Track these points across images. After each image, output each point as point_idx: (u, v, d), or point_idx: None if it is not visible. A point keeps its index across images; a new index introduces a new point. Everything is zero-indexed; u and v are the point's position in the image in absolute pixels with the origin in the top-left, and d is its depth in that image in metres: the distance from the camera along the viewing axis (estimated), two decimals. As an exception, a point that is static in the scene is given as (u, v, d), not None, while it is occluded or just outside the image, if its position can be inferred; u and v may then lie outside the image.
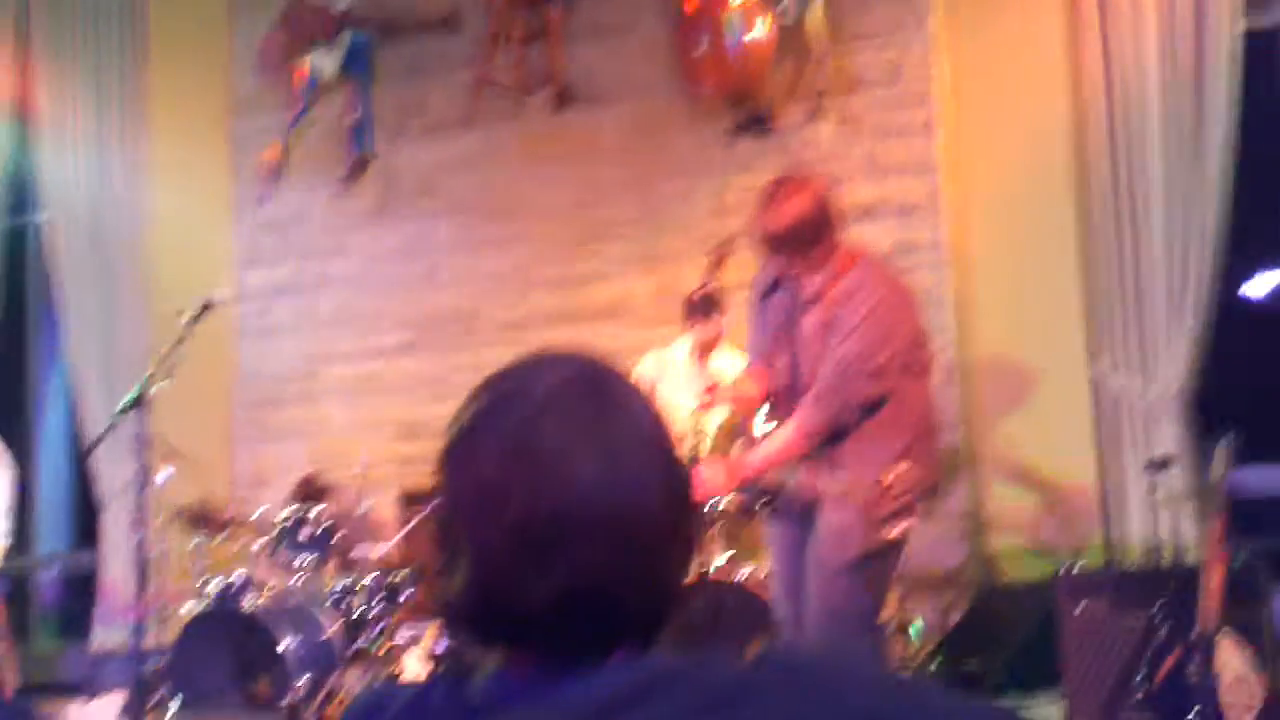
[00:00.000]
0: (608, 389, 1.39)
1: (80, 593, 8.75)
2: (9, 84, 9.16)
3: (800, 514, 4.87)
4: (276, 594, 6.69)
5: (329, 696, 6.33)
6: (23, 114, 9.21)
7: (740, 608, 5.80)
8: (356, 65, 8.54)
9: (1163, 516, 6.56)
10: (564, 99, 8.09)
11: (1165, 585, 5.62)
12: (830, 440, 4.72)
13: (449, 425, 1.40)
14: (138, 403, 5.72)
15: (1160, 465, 6.32)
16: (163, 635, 6.80)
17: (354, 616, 6.59)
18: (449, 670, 6.12)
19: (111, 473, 8.43)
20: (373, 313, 8.43)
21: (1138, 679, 5.39)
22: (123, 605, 7.99)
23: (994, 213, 7.16)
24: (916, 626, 6.21)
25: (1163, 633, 5.44)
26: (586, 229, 7.94)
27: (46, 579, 9.28)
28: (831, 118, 7.42)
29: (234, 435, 8.63)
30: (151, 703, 6.31)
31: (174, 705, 6.42)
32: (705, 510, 5.96)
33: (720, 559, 6.13)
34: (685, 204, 7.70)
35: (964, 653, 6.43)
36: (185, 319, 5.92)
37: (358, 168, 8.53)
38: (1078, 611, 5.87)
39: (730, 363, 6.12)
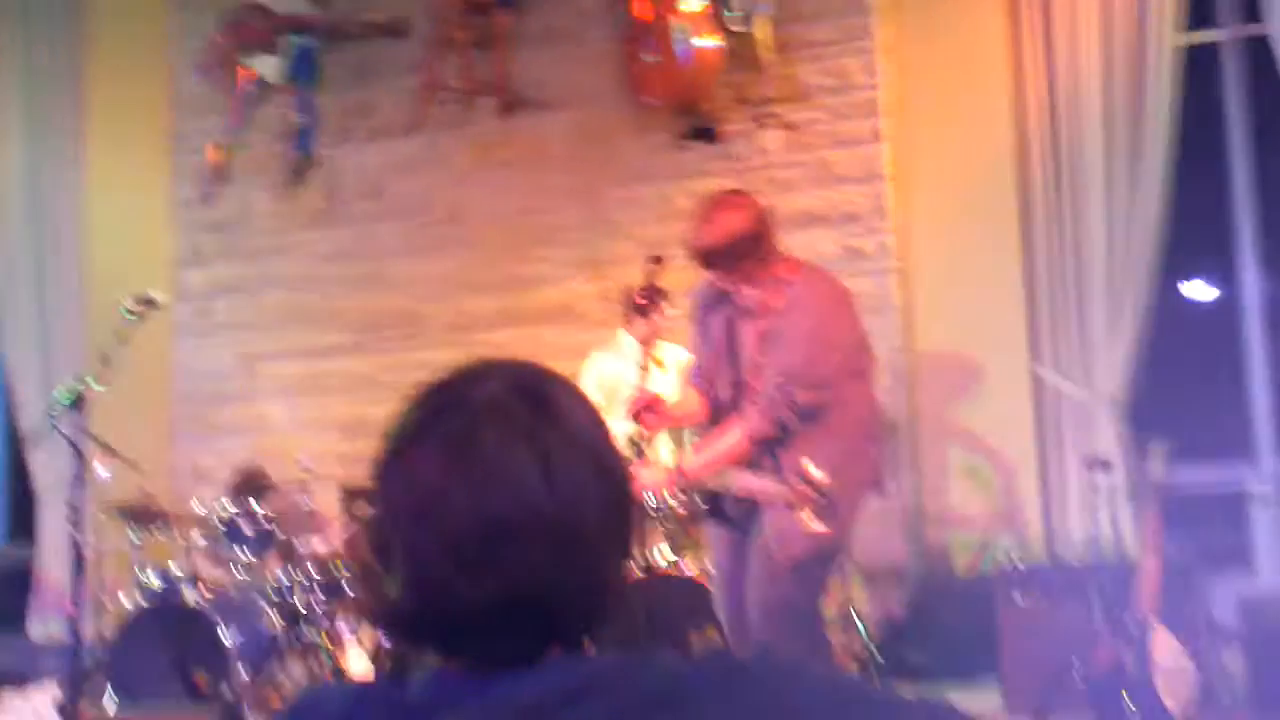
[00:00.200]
0: (546, 396, 1.39)
1: (17, 585, 8.65)
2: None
3: (741, 513, 4.91)
4: (217, 588, 6.65)
5: (269, 688, 6.30)
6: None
7: (684, 601, 5.82)
8: (302, 70, 8.52)
9: (1101, 512, 6.65)
10: (511, 105, 8.09)
11: (1103, 579, 5.72)
12: (773, 444, 4.74)
13: (386, 433, 1.40)
14: (75, 400, 5.69)
15: (1099, 463, 6.42)
16: (101, 629, 6.74)
17: (295, 610, 6.56)
18: (390, 669, 6.12)
19: (48, 467, 8.38)
20: (315, 313, 8.40)
21: (1075, 669, 5.48)
22: (60, 598, 7.92)
23: (938, 220, 7.26)
24: (860, 619, 6.24)
25: (1100, 624, 5.54)
26: (532, 234, 7.95)
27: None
28: (779, 127, 7.48)
29: (174, 432, 8.58)
30: (88, 693, 6.25)
31: (111, 696, 6.38)
32: (650, 509, 5.98)
33: (663, 554, 6.14)
34: (631, 210, 7.73)
35: (906, 645, 6.49)
36: (125, 315, 5.88)
37: (300, 171, 8.51)
38: (1017, 604, 5.96)
39: (672, 354, 6.18)
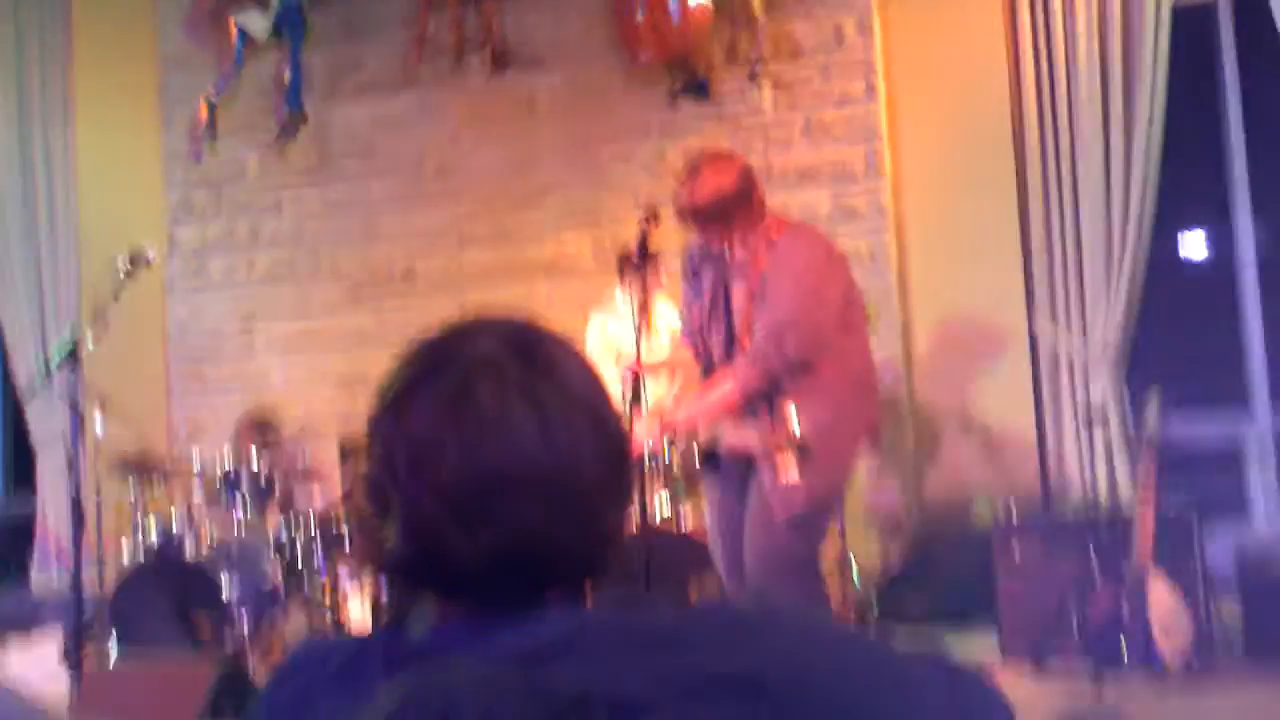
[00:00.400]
0: (540, 350, 1.39)
1: (18, 537, 8.66)
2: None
3: (738, 469, 4.94)
4: (217, 540, 6.69)
5: (271, 638, 6.35)
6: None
7: (682, 553, 5.83)
8: (290, 25, 8.47)
9: (1098, 464, 6.75)
10: (501, 61, 8.03)
11: (1100, 529, 5.80)
12: (768, 397, 4.78)
13: (380, 388, 1.40)
14: (70, 355, 5.69)
15: (1096, 415, 6.49)
16: (102, 580, 6.76)
17: (295, 561, 6.60)
18: (389, 618, 6.16)
19: (46, 421, 8.39)
20: (309, 269, 8.40)
21: (1070, 614, 5.57)
22: (60, 550, 7.95)
23: (934, 178, 7.29)
24: (857, 569, 6.30)
25: (1097, 574, 5.62)
26: (525, 190, 7.95)
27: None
28: (771, 84, 7.49)
29: (170, 389, 8.58)
30: (91, 643, 6.29)
31: (113, 645, 6.42)
32: (646, 461, 6.02)
33: (661, 506, 6.17)
34: (625, 167, 7.73)
35: (903, 595, 6.56)
36: (119, 270, 5.87)
37: (289, 127, 8.46)
38: (1015, 554, 6.03)
39: (666, 317, 6.21)
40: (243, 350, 8.50)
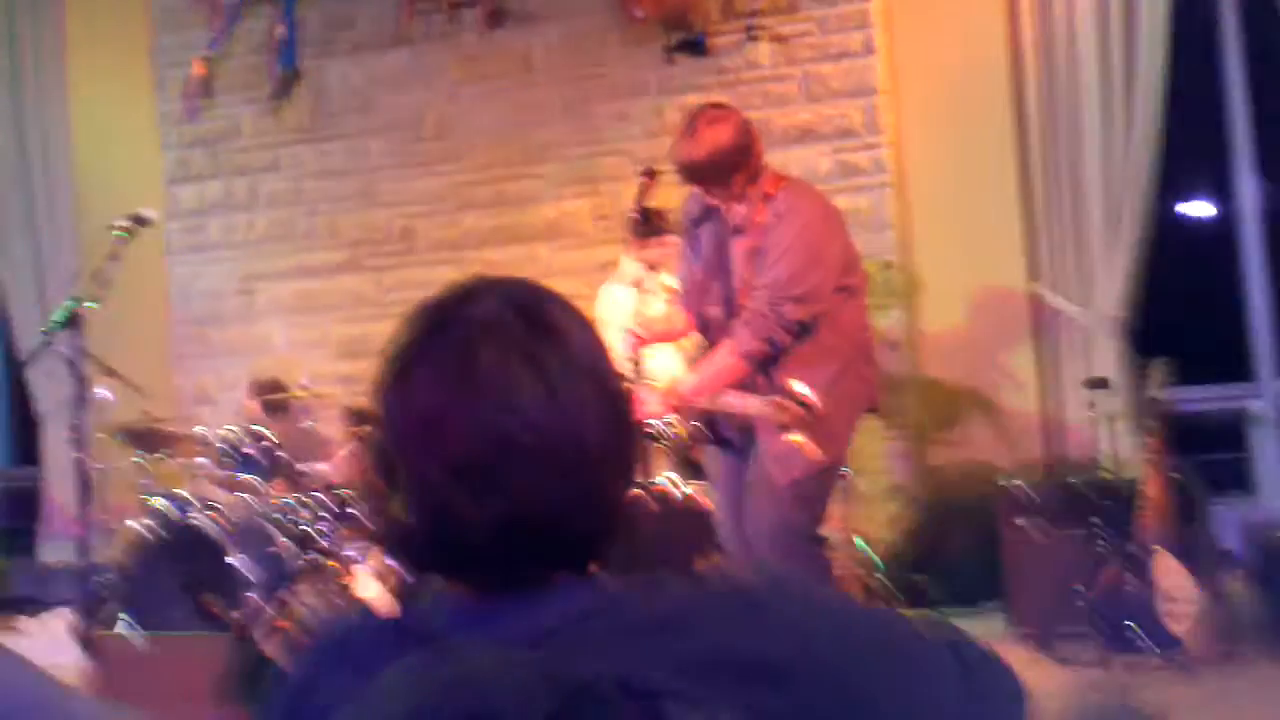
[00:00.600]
0: (543, 314, 1.37)
1: (24, 509, 8.68)
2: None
3: (739, 436, 4.94)
4: (224, 510, 6.69)
5: (280, 610, 6.37)
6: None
7: (687, 526, 5.83)
8: (282, -19, 8.40)
9: (1102, 434, 6.75)
10: (497, 17, 7.96)
11: (1104, 500, 5.82)
12: (766, 364, 4.76)
13: (384, 355, 1.38)
14: (70, 320, 5.66)
15: (1098, 384, 6.49)
16: (110, 552, 6.78)
17: (304, 534, 6.61)
18: (401, 597, 6.17)
19: (49, 390, 8.38)
20: (308, 230, 8.37)
21: (1078, 591, 5.60)
22: (67, 521, 7.96)
23: (933, 135, 7.26)
24: (861, 541, 6.31)
25: (1102, 546, 5.65)
26: (523, 149, 7.90)
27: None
28: (769, 39, 7.44)
29: (173, 353, 8.56)
30: (101, 617, 6.31)
31: (124, 620, 6.44)
32: (651, 432, 6.01)
33: (667, 479, 6.18)
34: (621, 125, 7.69)
35: (909, 567, 6.58)
36: (116, 233, 5.82)
37: (284, 85, 8.40)
38: (1020, 526, 6.05)
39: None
40: (244, 311, 8.47)
